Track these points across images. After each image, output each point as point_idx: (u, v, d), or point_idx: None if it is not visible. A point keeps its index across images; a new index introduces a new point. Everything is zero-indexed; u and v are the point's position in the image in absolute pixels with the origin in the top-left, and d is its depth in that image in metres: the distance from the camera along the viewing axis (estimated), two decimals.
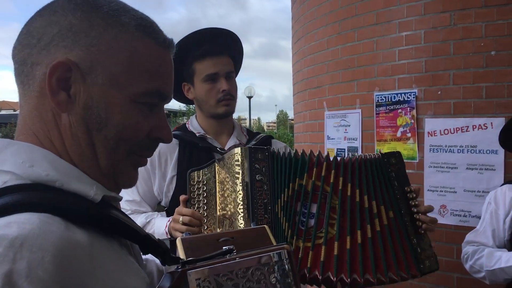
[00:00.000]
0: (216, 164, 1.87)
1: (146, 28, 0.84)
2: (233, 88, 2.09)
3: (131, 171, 0.88)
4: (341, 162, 1.74)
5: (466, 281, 2.91)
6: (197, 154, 2.05)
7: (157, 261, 1.18)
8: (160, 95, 0.86)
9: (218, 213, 1.83)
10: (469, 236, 2.31)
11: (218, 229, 1.81)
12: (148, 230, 1.93)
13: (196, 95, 2.10)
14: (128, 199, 2.05)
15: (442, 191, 3.05)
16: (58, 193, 0.75)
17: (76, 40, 0.78)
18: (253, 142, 2.13)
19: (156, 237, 2.08)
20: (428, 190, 3.11)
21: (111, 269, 0.74)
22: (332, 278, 1.65)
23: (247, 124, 36.28)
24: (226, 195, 1.82)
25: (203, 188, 1.87)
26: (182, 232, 1.75)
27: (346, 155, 3.60)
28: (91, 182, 0.81)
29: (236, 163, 1.76)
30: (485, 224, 2.23)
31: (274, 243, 1.16)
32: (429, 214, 1.78)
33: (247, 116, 40.29)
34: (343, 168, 1.73)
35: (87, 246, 0.70)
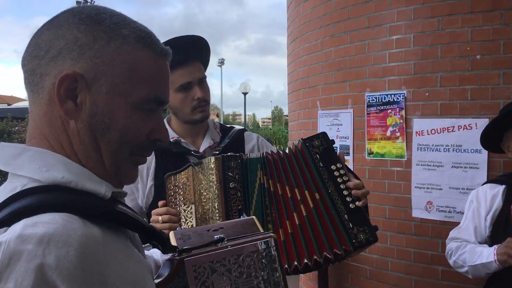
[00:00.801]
0: (191, 168, 1.90)
1: (145, 39, 0.91)
2: (207, 93, 2.11)
3: (132, 169, 0.96)
4: (265, 161, 1.86)
5: (450, 273, 3.05)
6: (172, 160, 2.06)
7: (155, 256, 1.28)
8: (159, 101, 0.93)
9: (195, 216, 1.87)
10: (452, 233, 2.41)
11: None
12: None
13: (170, 104, 2.10)
14: None
15: (429, 188, 3.19)
16: (74, 193, 0.83)
17: (81, 53, 0.85)
18: (227, 141, 2.18)
19: None
20: (415, 187, 3.25)
21: (120, 258, 0.81)
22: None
23: (242, 120, 36.19)
24: (202, 200, 1.86)
25: (179, 192, 1.90)
26: (166, 230, 1.79)
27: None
28: (100, 181, 0.89)
29: (211, 171, 1.82)
30: (467, 221, 2.33)
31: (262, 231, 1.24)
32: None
33: (242, 112, 40.26)
34: (268, 168, 1.85)
35: (101, 240, 0.78)
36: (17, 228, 0.72)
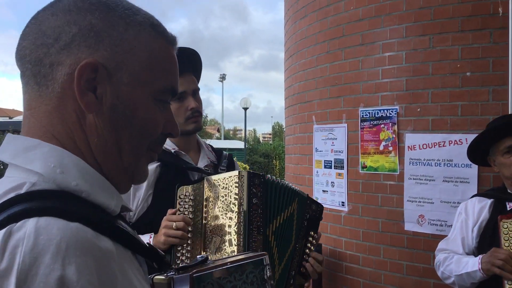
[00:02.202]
0: (205, 182, 1.95)
1: (158, 27, 0.87)
2: (200, 105, 2.15)
3: (145, 166, 0.90)
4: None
5: (442, 286, 3.08)
6: (173, 174, 2.08)
7: None
8: (174, 91, 0.89)
9: (204, 229, 1.91)
10: (441, 244, 2.46)
11: (203, 244, 1.90)
12: None
13: None
14: None
15: (421, 202, 3.25)
16: (85, 204, 0.76)
17: (99, 40, 0.78)
18: (226, 161, 2.27)
19: None
20: (407, 200, 3.30)
21: (130, 275, 0.76)
22: None
23: (243, 136, 36.32)
24: (216, 212, 1.90)
25: (190, 203, 1.94)
26: (177, 237, 1.85)
27: (332, 167, 3.79)
28: (111, 192, 0.83)
29: (235, 184, 1.86)
30: (455, 233, 2.38)
31: None
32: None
33: (243, 127, 40.36)
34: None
35: (115, 255, 0.72)
36: (30, 233, 0.64)
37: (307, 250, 1.98)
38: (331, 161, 3.80)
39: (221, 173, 2.04)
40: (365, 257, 3.58)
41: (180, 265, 1.02)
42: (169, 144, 2.17)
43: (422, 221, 3.24)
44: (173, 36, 0.91)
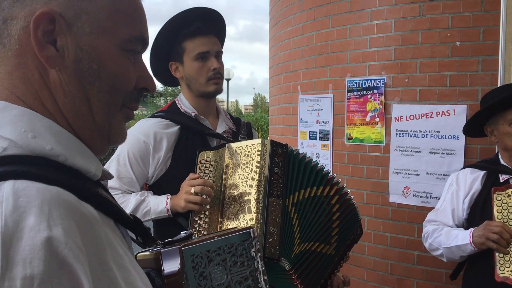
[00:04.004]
0: (226, 149, 1.94)
1: None
2: (222, 67, 2.13)
3: (122, 125, 0.85)
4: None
5: (425, 258, 3.09)
6: (192, 137, 2.06)
7: None
8: (143, 41, 0.83)
9: (222, 195, 1.90)
10: (430, 216, 2.43)
11: (220, 209, 1.89)
12: (144, 208, 1.93)
13: (185, 74, 2.09)
14: (121, 176, 2.00)
15: (406, 174, 3.21)
16: (63, 169, 0.71)
17: None
18: (245, 130, 2.23)
19: (153, 214, 2.15)
20: (393, 172, 3.27)
21: (114, 244, 0.72)
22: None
23: (225, 107, 36.26)
24: (235, 179, 1.89)
25: (210, 168, 1.93)
26: (197, 203, 1.84)
27: (318, 138, 3.73)
28: (90, 155, 0.78)
29: (258, 153, 1.85)
30: (445, 204, 2.34)
31: None
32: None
33: (225, 98, 40.14)
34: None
35: (100, 221, 0.69)
36: (8, 196, 0.60)
37: (338, 266, 2.02)
38: (316, 132, 3.74)
39: (242, 141, 2.03)
40: None
41: (166, 240, 0.97)
42: (188, 107, 2.14)
43: (407, 193, 3.21)
44: None
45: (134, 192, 2.03)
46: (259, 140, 1.88)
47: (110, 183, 1.91)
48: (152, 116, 2.13)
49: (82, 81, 0.75)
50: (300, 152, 1.96)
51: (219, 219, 1.88)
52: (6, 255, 0.56)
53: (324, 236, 1.89)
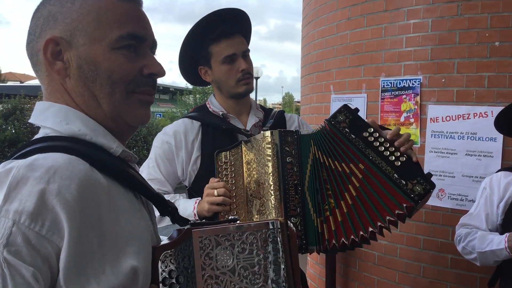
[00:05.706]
0: (242, 145, 1.93)
1: None
2: (251, 66, 2.13)
3: (137, 109, 1.03)
4: (317, 137, 1.86)
5: (459, 261, 3.04)
6: (220, 136, 2.08)
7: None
8: (135, 37, 1.00)
9: (246, 193, 1.90)
10: (463, 219, 2.38)
11: (246, 208, 1.89)
12: None
13: (214, 77, 2.12)
14: (151, 178, 2.06)
15: (441, 176, 3.16)
16: (87, 145, 0.94)
17: (55, 20, 0.97)
18: (271, 121, 2.19)
19: None
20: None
21: (124, 209, 0.92)
22: (346, 242, 1.79)
23: None
24: (254, 175, 1.89)
25: (231, 168, 1.93)
26: (218, 204, 1.85)
27: None
28: (113, 139, 1.00)
29: (267, 145, 1.84)
30: (479, 208, 2.30)
31: None
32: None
33: (253, 97, 40.19)
34: (321, 143, 1.85)
35: (106, 187, 0.89)
36: (30, 158, 0.84)
37: (381, 148, 1.80)
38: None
39: (266, 131, 2.01)
40: None
41: (197, 221, 1.14)
42: (217, 107, 2.16)
43: (442, 195, 3.16)
44: None
45: (166, 191, 2.08)
46: (267, 133, 1.87)
47: None
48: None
49: (86, 82, 0.98)
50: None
51: (246, 218, 1.89)
52: (9, 192, 0.79)
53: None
